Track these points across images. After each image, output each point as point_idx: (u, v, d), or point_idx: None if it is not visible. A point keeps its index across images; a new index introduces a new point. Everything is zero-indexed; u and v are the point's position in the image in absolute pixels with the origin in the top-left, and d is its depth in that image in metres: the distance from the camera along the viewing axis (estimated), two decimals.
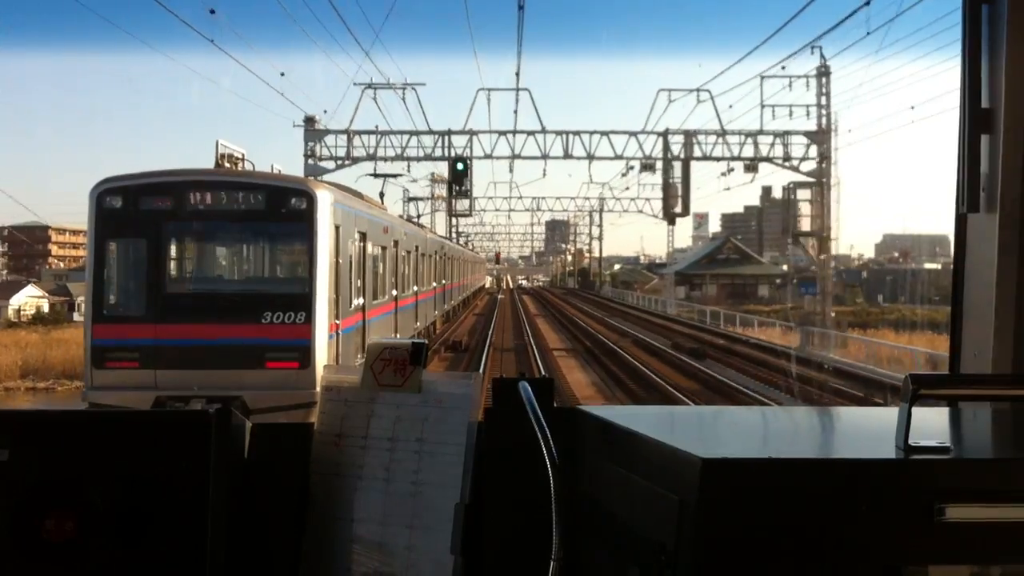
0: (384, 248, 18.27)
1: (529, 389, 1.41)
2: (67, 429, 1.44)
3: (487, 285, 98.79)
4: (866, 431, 1.48)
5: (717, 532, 1.12)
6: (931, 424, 1.42)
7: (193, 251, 13.52)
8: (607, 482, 1.40)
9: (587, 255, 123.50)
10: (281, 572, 1.48)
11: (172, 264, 12.93)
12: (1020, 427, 1.53)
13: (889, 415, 1.32)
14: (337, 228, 12.81)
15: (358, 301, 14.90)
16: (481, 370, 22.52)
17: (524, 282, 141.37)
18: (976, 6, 1.63)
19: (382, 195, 27.49)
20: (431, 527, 1.36)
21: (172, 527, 1.39)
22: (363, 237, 15.39)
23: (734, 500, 1.12)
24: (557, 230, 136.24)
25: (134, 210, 11.88)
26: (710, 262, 75.14)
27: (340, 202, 13.57)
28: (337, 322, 12.63)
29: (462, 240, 72.19)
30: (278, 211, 12.06)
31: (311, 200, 11.88)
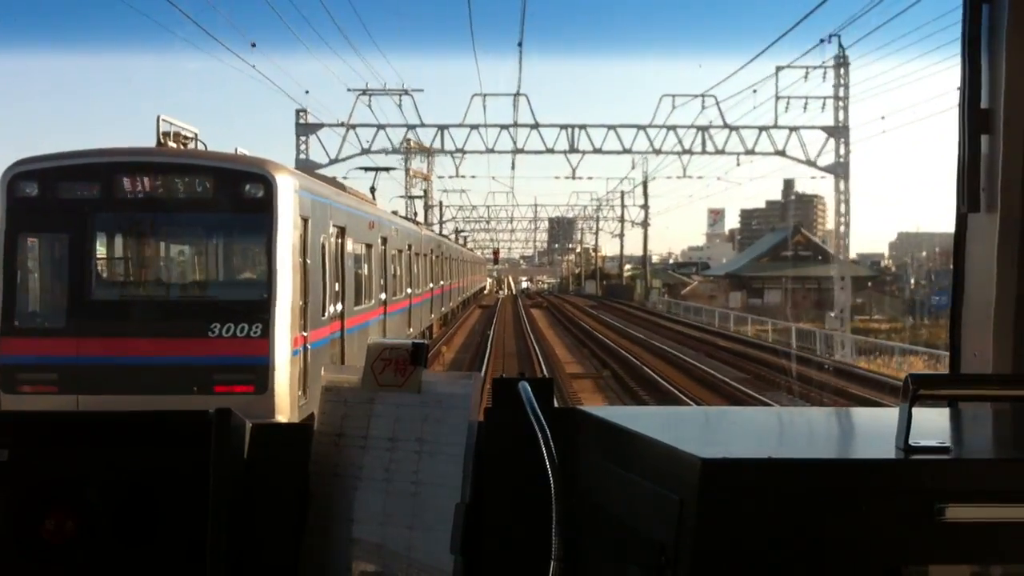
0: (369, 246, 18.03)
1: (529, 389, 1.68)
2: (67, 429, 1.73)
3: (486, 289, 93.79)
4: (866, 431, 1.74)
5: (717, 532, 1.32)
6: (931, 424, 1.65)
7: (126, 248, 12.88)
8: (607, 482, 1.63)
9: (596, 253, 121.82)
10: (281, 572, 1.75)
11: (100, 264, 12.32)
12: (1020, 427, 1.77)
13: (889, 415, 1.54)
14: (305, 221, 12.32)
15: (335, 308, 14.42)
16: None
17: (527, 283, 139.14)
18: (976, 6, 1.92)
19: (373, 190, 28.18)
20: (431, 527, 1.64)
21: (172, 527, 1.67)
22: (341, 233, 14.96)
23: (734, 500, 1.32)
24: (562, 229, 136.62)
25: (54, 199, 11.33)
26: (773, 260, 68.47)
27: (309, 190, 13.01)
28: (304, 334, 12.23)
29: (448, 233, 73.27)
30: (229, 199, 11.55)
31: (269, 186, 11.41)
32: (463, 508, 1.64)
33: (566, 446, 1.66)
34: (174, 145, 12.60)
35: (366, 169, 32.59)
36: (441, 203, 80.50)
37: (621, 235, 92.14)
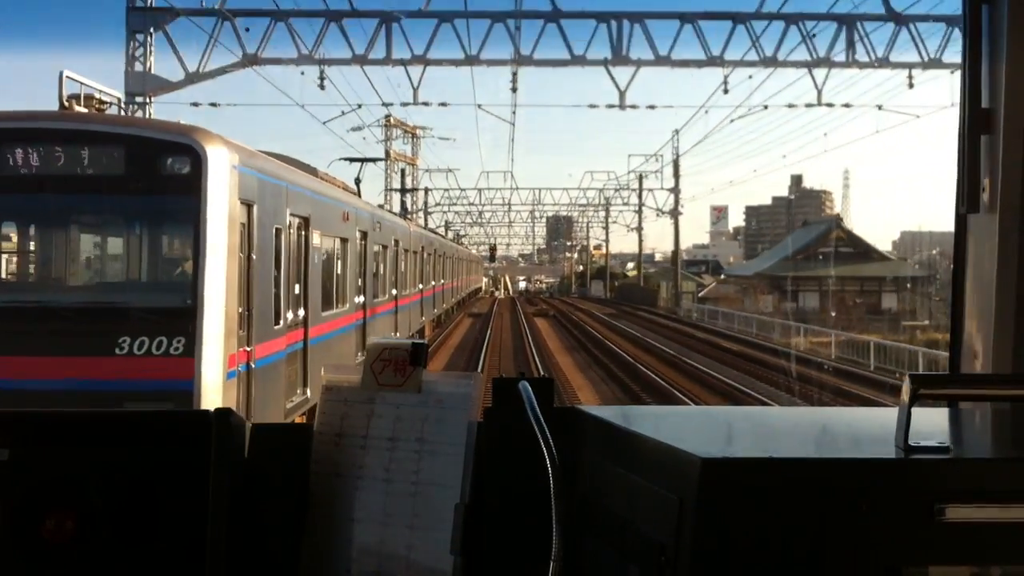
0: (345, 241, 17.76)
1: (529, 389, 1.95)
2: (67, 429, 1.99)
3: (482, 290, 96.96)
4: (866, 431, 1.99)
5: (717, 532, 1.54)
6: (931, 424, 1.90)
7: (11, 240, 11.92)
8: (607, 482, 1.88)
9: (597, 252, 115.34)
10: (281, 572, 2.00)
11: None
12: (1020, 427, 2.03)
13: (889, 415, 1.79)
14: (248, 206, 11.46)
15: (294, 314, 13.71)
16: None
17: (524, 283, 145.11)
18: (976, 6, 2.22)
19: (358, 181, 26.85)
20: (431, 527, 1.91)
21: (172, 527, 1.93)
22: (304, 223, 14.35)
23: (734, 500, 1.55)
24: (560, 227, 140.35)
25: None
26: (808, 257, 67.73)
27: (255, 168, 11.85)
28: (248, 349, 11.45)
29: (436, 227, 68.52)
30: (145, 176, 10.69)
31: (197, 160, 10.52)
32: (463, 508, 1.91)
33: (566, 446, 1.91)
34: (84, 111, 11.56)
35: (351, 160, 31.45)
36: (427, 190, 72.87)
37: (639, 228, 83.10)
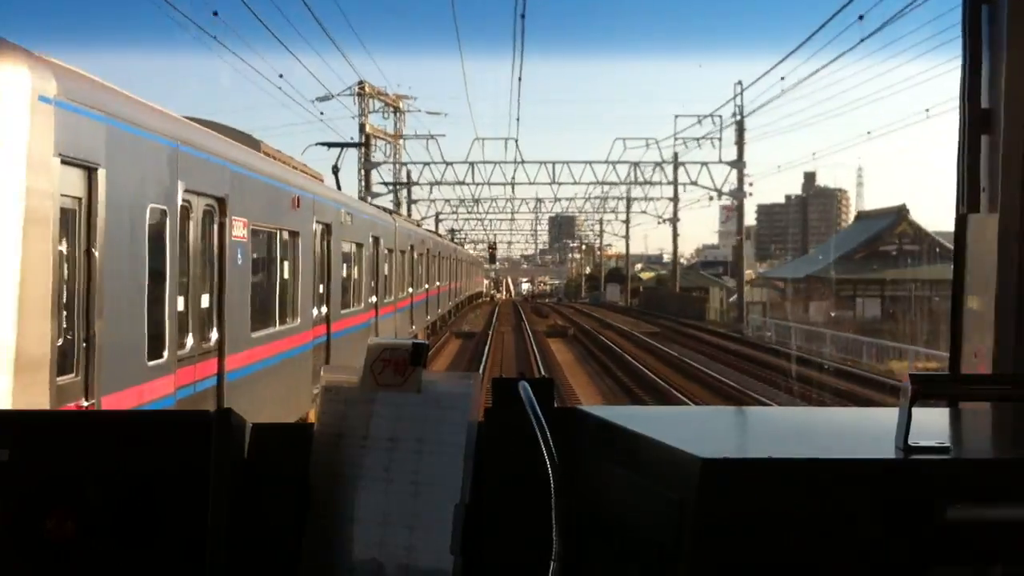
0: (294, 235, 15.15)
1: (529, 389, 2.07)
2: (67, 429, 2.11)
3: (483, 293, 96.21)
4: (866, 431, 2.11)
5: (716, 532, 1.64)
6: (931, 424, 2.00)
7: None
8: (607, 482, 1.99)
9: (606, 252, 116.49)
10: (281, 572, 2.12)
11: None
12: (1020, 427, 2.12)
13: (889, 415, 1.91)
14: (88, 171, 8.23)
15: (196, 340, 10.80)
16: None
17: (526, 285, 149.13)
18: (976, 6, 2.33)
19: (336, 170, 25.31)
20: (431, 527, 2.04)
21: (172, 527, 2.04)
22: (218, 207, 11.46)
23: (734, 500, 1.64)
24: (564, 226, 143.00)
25: None
26: (868, 256, 62.59)
27: (98, 109, 8.45)
28: (86, 403, 8.18)
29: (420, 220, 61.96)
30: None
31: None
32: (463, 508, 2.04)
33: (566, 446, 2.03)
34: None
35: (329, 145, 29.45)
36: (409, 173, 64.96)
37: (675, 219, 70.98)
